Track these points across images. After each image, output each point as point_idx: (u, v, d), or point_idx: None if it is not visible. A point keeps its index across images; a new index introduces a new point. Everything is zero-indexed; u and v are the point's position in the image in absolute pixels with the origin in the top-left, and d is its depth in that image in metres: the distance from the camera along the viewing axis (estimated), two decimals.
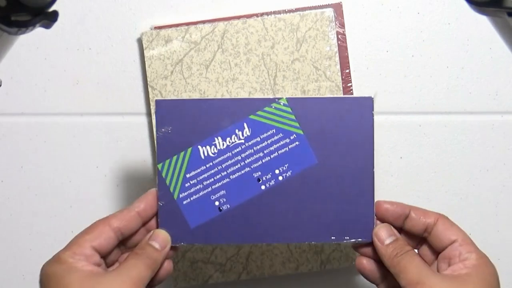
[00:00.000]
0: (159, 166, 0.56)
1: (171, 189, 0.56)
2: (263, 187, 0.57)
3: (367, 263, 0.57)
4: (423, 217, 0.56)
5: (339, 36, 0.69)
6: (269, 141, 0.57)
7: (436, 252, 0.55)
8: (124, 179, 0.72)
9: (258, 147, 0.57)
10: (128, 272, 0.51)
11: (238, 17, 0.69)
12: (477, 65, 0.71)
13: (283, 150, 0.57)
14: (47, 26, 0.45)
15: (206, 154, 0.56)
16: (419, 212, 0.56)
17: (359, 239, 0.56)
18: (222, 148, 0.56)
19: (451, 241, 0.54)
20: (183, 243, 0.56)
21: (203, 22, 0.69)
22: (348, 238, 0.56)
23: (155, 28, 0.69)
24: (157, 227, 0.56)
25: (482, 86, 0.71)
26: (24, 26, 0.43)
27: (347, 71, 0.69)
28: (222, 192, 0.57)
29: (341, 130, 0.58)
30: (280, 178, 0.57)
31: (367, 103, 0.58)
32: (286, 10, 0.70)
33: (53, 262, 0.51)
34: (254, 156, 0.57)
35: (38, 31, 0.46)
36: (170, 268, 0.56)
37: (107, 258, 0.55)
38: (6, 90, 0.71)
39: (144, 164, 0.71)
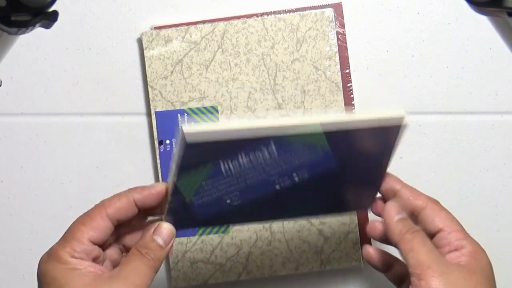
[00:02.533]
0: (178, 183, 0.52)
1: (184, 194, 0.53)
2: (277, 187, 0.55)
3: (373, 252, 0.57)
4: (412, 198, 0.55)
5: (339, 36, 0.69)
6: (293, 154, 0.53)
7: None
8: (124, 179, 0.72)
9: (281, 160, 0.53)
10: (133, 280, 0.49)
11: (238, 17, 0.69)
12: (477, 65, 0.71)
13: (305, 160, 0.54)
14: (47, 26, 0.45)
15: (227, 168, 0.52)
16: (409, 192, 0.55)
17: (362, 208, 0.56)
18: (244, 163, 0.52)
19: (439, 229, 0.54)
20: (186, 228, 0.54)
21: (203, 22, 0.69)
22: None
23: (155, 28, 0.69)
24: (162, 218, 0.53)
25: (482, 86, 0.71)
26: (24, 26, 0.43)
27: (347, 71, 0.69)
28: (236, 193, 0.54)
29: (366, 143, 0.54)
30: (296, 179, 0.54)
31: (399, 122, 0.54)
32: (286, 10, 0.70)
33: (53, 260, 0.50)
34: (275, 166, 0.53)
35: (38, 31, 0.46)
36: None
37: (105, 244, 0.53)
38: (6, 90, 0.71)
39: (144, 164, 0.71)
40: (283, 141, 0.51)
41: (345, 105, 0.69)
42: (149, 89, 0.69)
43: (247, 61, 0.69)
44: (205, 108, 0.69)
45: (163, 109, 0.69)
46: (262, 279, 0.70)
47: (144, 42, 0.69)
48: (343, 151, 0.54)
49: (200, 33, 0.69)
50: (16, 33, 0.44)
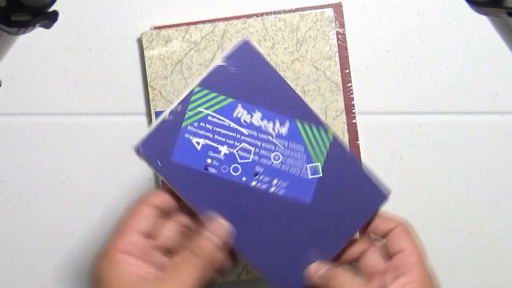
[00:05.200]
0: (196, 88, 0.55)
1: (186, 116, 0.54)
2: (254, 183, 0.56)
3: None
4: (383, 224, 0.57)
5: (339, 36, 0.69)
6: (290, 153, 0.56)
7: (389, 256, 0.56)
8: (124, 179, 0.72)
9: (279, 150, 0.56)
10: (181, 281, 0.47)
11: (238, 17, 0.69)
12: (477, 65, 0.71)
13: (294, 171, 0.56)
14: (47, 26, 0.45)
15: (239, 115, 0.55)
16: (381, 219, 0.57)
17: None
18: (255, 124, 0.55)
19: (398, 251, 0.55)
20: (154, 169, 0.54)
21: (203, 22, 0.69)
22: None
23: (155, 28, 0.69)
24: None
25: (482, 86, 0.71)
26: (24, 26, 0.43)
27: (347, 71, 0.69)
28: (220, 157, 0.55)
29: (347, 196, 0.57)
30: (272, 189, 0.56)
31: (381, 197, 0.58)
32: (286, 10, 0.70)
33: (103, 259, 0.49)
34: (271, 154, 0.56)
35: (38, 31, 0.46)
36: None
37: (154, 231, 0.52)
38: (6, 90, 0.71)
39: (144, 164, 0.71)
40: (296, 128, 0.55)
41: (345, 105, 0.69)
42: (149, 89, 0.69)
43: None
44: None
45: (163, 109, 0.69)
46: (262, 279, 0.70)
47: (144, 42, 0.69)
48: (325, 188, 0.57)
49: (200, 33, 0.69)
50: (16, 33, 0.44)
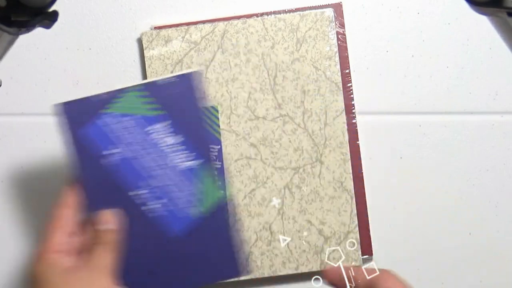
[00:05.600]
0: (139, 87, 0.59)
1: (114, 103, 0.59)
2: (139, 192, 0.59)
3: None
4: (368, 274, 0.56)
5: (339, 36, 0.69)
6: (183, 187, 0.60)
7: None
8: None
9: (176, 179, 0.59)
10: (98, 265, 0.56)
11: (238, 17, 0.69)
12: (477, 65, 0.71)
13: (178, 202, 0.60)
14: (47, 26, 0.45)
15: (156, 131, 0.59)
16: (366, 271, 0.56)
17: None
18: (168, 145, 0.59)
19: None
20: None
21: (203, 22, 0.69)
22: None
23: (155, 28, 0.69)
24: None
25: (482, 86, 0.71)
26: (24, 26, 0.43)
27: (347, 71, 0.69)
28: (119, 156, 0.59)
29: (210, 251, 0.61)
30: (151, 207, 0.59)
31: (234, 272, 0.61)
32: (286, 10, 0.70)
33: (38, 260, 0.56)
34: (166, 178, 0.59)
35: (38, 31, 0.46)
36: None
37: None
38: (6, 90, 0.71)
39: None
40: (200, 170, 0.59)
41: (345, 105, 0.69)
42: None
43: (247, 61, 0.69)
44: (205, 108, 0.69)
45: None
46: (262, 279, 0.70)
47: (144, 42, 0.69)
48: (195, 236, 0.60)
49: (200, 33, 0.69)
50: (16, 33, 0.44)
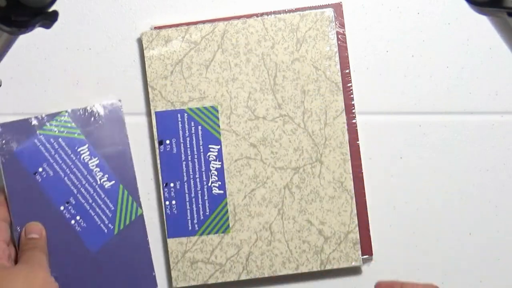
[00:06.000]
0: (64, 113, 0.69)
1: (45, 127, 0.68)
2: (62, 207, 0.68)
3: None
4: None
5: (339, 36, 0.69)
6: (102, 205, 0.69)
7: None
8: None
9: (95, 197, 0.69)
10: (35, 262, 0.63)
11: (238, 17, 0.69)
12: (477, 65, 0.71)
13: (96, 219, 0.69)
14: (47, 26, 0.45)
15: (82, 152, 0.68)
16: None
17: None
18: (89, 166, 0.68)
19: None
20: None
21: (203, 22, 0.69)
22: None
23: (155, 28, 0.69)
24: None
25: (482, 86, 0.71)
26: (24, 26, 0.43)
27: (347, 71, 0.69)
28: (50, 173, 0.68)
29: (125, 266, 0.69)
30: (72, 222, 0.68)
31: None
32: (286, 10, 0.70)
33: None
34: (87, 195, 0.69)
35: (38, 31, 0.46)
36: None
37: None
38: (6, 90, 0.71)
39: (144, 164, 0.71)
40: (116, 190, 0.69)
41: (345, 105, 0.69)
42: (149, 89, 0.69)
43: (247, 61, 0.69)
44: (205, 108, 0.69)
45: (163, 109, 0.69)
46: (262, 279, 0.70)
47: (144, 42, 0.69)
48: (111, 252, 0.69)
49: (200, 33, 0.69)
50: (16, 33, 0.44)
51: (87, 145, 0.68)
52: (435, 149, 0.71)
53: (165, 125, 0.69)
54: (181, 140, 0.69)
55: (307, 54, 0.69)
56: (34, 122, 0.68)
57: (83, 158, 0.68)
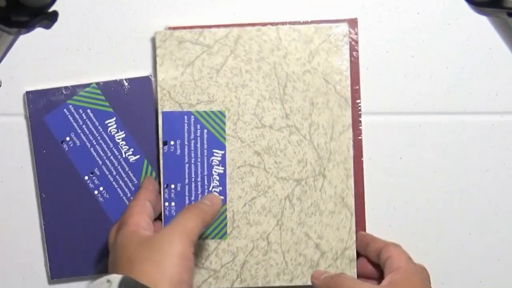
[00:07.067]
0: (94, 84, 0.70)
1: (75, 97, 0.70)
2: (86, 177, 0.70)
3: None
4: (374, 243, 0.66)
5: (353, 52, 0.69)
6: (125, 178, 0.69)
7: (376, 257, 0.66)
8: None
9: (119, 170, 0.69)
10: (181, 226, 0.58)
11: (253, 25, 0.69)
12: (477, 65, 0.71)
13: (119, 191, 0.70)
14: (47, 26, 0.45)
15: (109, 125, 0.69)
16: (377, 242, 0.67)
17: None
18: (115, 138, 0.69)
19: (388, 256, 0.63)
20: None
21: (218, 26, 0.69)
22: None
23: (169, 28, 0.69)
24: None
25: (482, 86, 0.71)
26: (24, 26, 0.43)
27: (357, 87, 0.69)
28: (77, 142, 0.69)
29: None
30: (95, 192, 0.70)
31: None
32: (302, 22, 0.69)
33: (123, 230, 0.60)
34: (111, 168, 0.69)
35: (38, 31, 0.46)
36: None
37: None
38: (6, 90, 0.71)
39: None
40: (140, 164, 0.69)
41: (352, 121, 0.69)
42: (158, 89, 0.69)
43: (258, 68, 0.68)
44: (212, 112, 0.69)
45: (170, 110, 0.69)
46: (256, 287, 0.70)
47: (157, 41, 0.68)
48: None
49: (214, 37, 0.68)
50: (16, 33, 0.44)
51: (114, 118, 0.69)
52: (435, 149, 0.71)
53: (171, 125, 0.69)
54: (186, 142, 0.69)
55: (318, 67, 0.68)
56: (64, 91, 0.69)
57: (110, 130, 0.69)
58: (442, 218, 0.72)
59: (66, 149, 0.69)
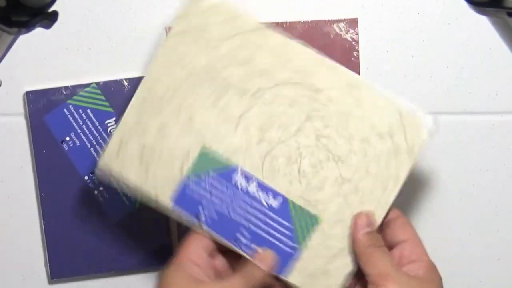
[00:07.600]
0: (94, 84, 0.69)
1: (75, 96, 0.69)
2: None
3: None
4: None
5: (353, 52, 0.69)
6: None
7: (388, 247, 0.56)
8: None
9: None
10: (228, 284, 0.54)
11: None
12: (477, 65, 0.71)
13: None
14: (47, 26, 0.45)
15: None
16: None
17: None
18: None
19: (403, 240, 0.57)
20: None
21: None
22: None
23: (169, 28, 0.69)
24: None
25: (482, 86, 0.71)
26: (24, 26, 0.43)
27: None
28: (76, 141, 0.69)
29: None
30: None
31: None
32: (302, 22, 0.68)
33: (174, 265, 0.55)
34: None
35: (38, 31, 0.46)
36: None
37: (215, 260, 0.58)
38: (6, 90, 0.71)
39: None
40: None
41: None
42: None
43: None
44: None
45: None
46: None
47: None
48: None
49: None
50: (16, 33, 0.44)
51: (114, 118, 0.69)
52: (435, 149, 0.71)
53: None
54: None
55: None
56: (64, 91, 0.69)
57: (110, 130, 0.69)
58: (442, 218, 0.72)
59: (66, 149, 0.70)
